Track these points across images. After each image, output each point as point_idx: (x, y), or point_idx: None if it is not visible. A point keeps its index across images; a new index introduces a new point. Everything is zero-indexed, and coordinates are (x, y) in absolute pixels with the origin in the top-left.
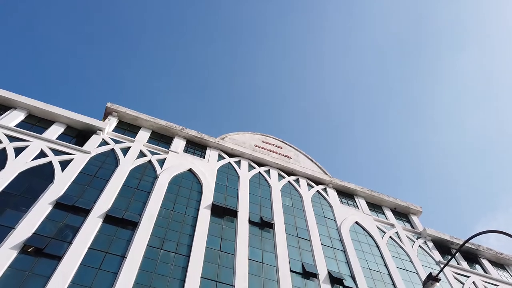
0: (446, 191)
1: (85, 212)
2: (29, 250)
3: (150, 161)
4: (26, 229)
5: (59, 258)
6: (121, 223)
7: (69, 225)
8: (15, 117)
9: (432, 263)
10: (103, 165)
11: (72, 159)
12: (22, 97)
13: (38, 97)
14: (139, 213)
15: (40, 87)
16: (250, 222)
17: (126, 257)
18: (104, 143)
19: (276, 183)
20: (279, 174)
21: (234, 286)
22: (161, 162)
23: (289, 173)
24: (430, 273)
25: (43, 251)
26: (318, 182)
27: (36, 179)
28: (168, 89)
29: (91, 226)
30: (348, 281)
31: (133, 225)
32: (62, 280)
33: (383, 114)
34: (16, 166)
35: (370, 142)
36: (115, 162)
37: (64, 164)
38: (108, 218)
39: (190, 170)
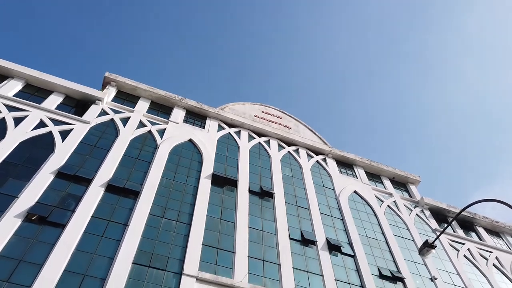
0: (445, 161)
1: (87, 182)
2: (33, 218)
3: (150, 131)
4: (29, 198)
5: (62, 226)
6: (122, 192)
7: (71, 194)
8: (13, 87)
9: (428, 231)
10: (103, 135)
11: (72, 129)
12: (19, 66)
13: (36, 66)
14: (140, 183)
15: (38, 57)
16: (250, 191)
17: (128, 225)
18: (103, 113)
19: (276, 153)
20: (279, 145)
21: (234, 252)
22: (161, 133)
23: (289, 143)
24: (426, 240)
25: (46, 219)
26: (317, 152)
27: (37, 149)
28: (167, 59)
29: (93, 195)
30: (346, 248)
31: (135, 194)
32: (66, 247)
33: (383, 82)
34: (16, 135)
35: (370, 112)
36: (115, 132)
37: (64, 134)
38: (110, 188)
39: (190, 140)
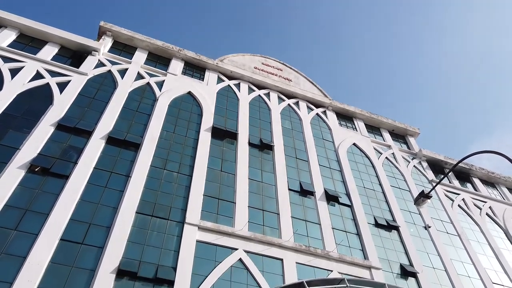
0: (444, 113)
1: (87, 134)
2: (36, 170)
3: (148, 83)
4: (31, 149)
5: (66, 177)
6: (123, 144)
7: (72, 146)
8: (6, 37)
9: (425, 182)
10: (101, 87)
11: (69, 81)
12: (11, 15)
13: (29, 15)
14: (141, 135)
15: (31, 5)
16: (250, 144)
17: (130, 177)
18: (100, 64)
19: (276, 106)
20: (279, 97)
21: (235, 203)
22: (160, 85)
23: (289, 95)
24: (423, 190)
25: (49, 170)
26: (318, 105)
27: (36, 101)
28: (165, 8)
29: (94, 147)
30: (343, 198)
31: (136, 147)
32: (71, 197)
33: (383, 32)
34: (13, 87)
35: (370, 63)
36: (113, 84)
37: (62, 86)
38: (110, 140)
39: (189, 93)
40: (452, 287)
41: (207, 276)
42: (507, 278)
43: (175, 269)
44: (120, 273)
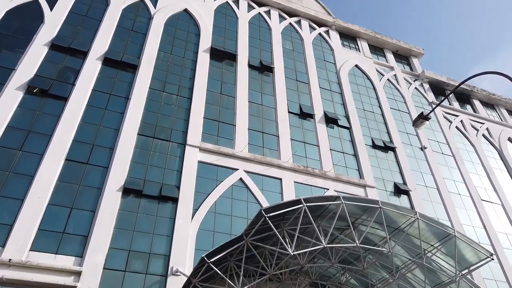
0: (448, 33)
1: (83, 54)
2: (34, 91)
3: (142, 0)
4: (27, 70)
5: (65, 99)
6: (120, 65)
7: (68, 67)
8: None
9: (425, 104)
10: (93, 3)
11: None
12: None
13: None
14: (138, 56)
15: None
16: (250, 66)
17: (130, 99)
18: None
19: (276, 25)
20: (280, 15)
21: (235, 125)
22: (154, 1)
23: (291, 13)
24: (422, 112)
25: (48, 92)
26: (320, 24)
27: (26, 19)
28: None
29: (91, 69)
30: (342, 121)
31: (133, 68)
32: (71, 119)
33: None
34: (1, 4)
35: None
36: (105, 1)
37: (51, 3)
38: (107, 61)
39: (185, 10)
40: (442, 203)
41: (209, 194)
42: (496, 195)
43: (178, 187)
44: (126, 191)
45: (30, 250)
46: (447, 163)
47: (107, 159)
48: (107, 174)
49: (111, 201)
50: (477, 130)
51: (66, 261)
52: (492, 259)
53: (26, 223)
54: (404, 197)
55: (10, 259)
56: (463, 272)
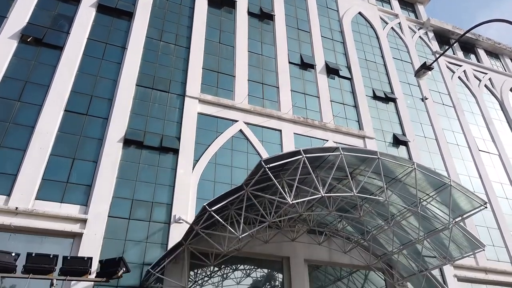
0: None
1: (76, 1)
2: (28, 40)
3: None
4: (19, 18)
5: (60, 48)
6: (115, 12)
7: (62, 14)
8: None
9: (428, 54)
10: None
11: None
12: None
13: None
14: (133, 3)
15: None
16: (250, 13)
17: (127, 48)
18: None
19: None
20: None
21: (234, 76)
22: None
23: None
24: (425, 62)
25: (42, 41)
26: None
27: None
28: None
29: (85, 16)
30: (343, 71)
31: (128, 15)
32: (69, 69)
33: None
34: None
35: None
36: None
37: None
38: (101, 8)
39: None
40: (439, 153)
41: (209, 145)
42: (494, 145)
43: (179, 138)
44: (127, 142)
45: (36, 199)
46: (447, 114)
47: (107, 110)
48: (107, 125)
49: (112, 152)
50: (480, 81)
51: (72, 210)
52: (486, 208)
53: (30, 173)
54: (402, 148)
55: (17, 208)
56: (456, 220)
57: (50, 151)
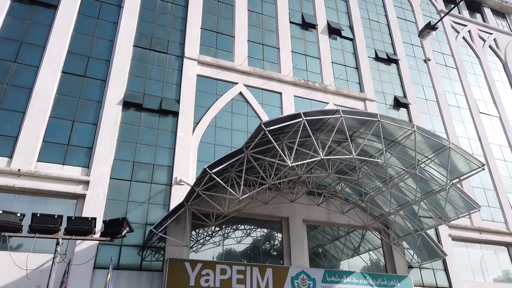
0: None
1: None
2: None
3: None
4: None
5: (54, 7)
6: None
7: None
8: None
9: (433, 13)
10: None
11: None
12: None
13: None
14: None
15: None
16: None
17: (122, 7)
18: None
19: None
20: None
21: (234, 36)
22: None
23: None
24: (429, 22)
25: None
26: None
27: None
28: None
29: None
30: (345, 32)
31: None
32: (64, 29)
33: None
34: None
35: None
36: None
37: None
38: None
39: None
40: (440, 116)
41: (209, 108)
42: (495, 108)
43: (178, 101)
44: (126, 105)
45: (38, 161)
46: (449, 75)
47: (104, 72)
48: (106, 87)
49: (112, 114)
50: (484, 41)
51: (74, 171)
52: (483, 169)
53: (30, 135)
54: (403, 110)
55: (19, 169)
56: (453, 181)
57: (49, 113)
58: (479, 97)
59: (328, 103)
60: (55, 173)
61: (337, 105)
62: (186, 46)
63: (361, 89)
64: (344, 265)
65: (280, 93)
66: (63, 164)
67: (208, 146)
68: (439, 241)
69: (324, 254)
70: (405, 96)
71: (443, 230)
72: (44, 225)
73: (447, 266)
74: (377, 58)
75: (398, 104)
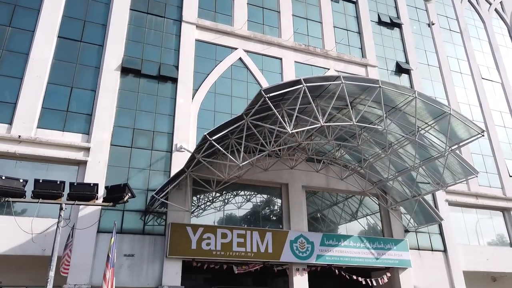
0: None
1: None
2: None
3: None
4: None
5: None
6: None
7: None
8: None
9: None
10: None
11: None
12: None
13: None
14: None
15: None
16: None
17: None
18: None
19: None
20: None
21: None
22: None
23: None
24: None
25: None
26: None
27: None
28: None
29: None
30: None
31: None
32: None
33: None
34: None
35: None
36: None
37: None
38: None
39: None
40: (442, 82)
41: (208, 74)
42: (497, 73)
43: (177, 67)
44: (124, 71)
45: (37, 127)
46: (453, 40)
47: (101, 37)
48: (103, 53)
49: (110, 80)
50: (490, 4)
51: (74, 138)
52: (483, 136)
53: (29, 101)
54: (404, 76)
55: (19, 136)
56: (452, 147)
57: (47, 79)
58: (482, 63)
59: (329, 69)
60: (56, 139)
61: (338, 71)
62: (184, 10)
63: (363, 55)
64: (342, 230)
65: (281, 59)
66: (63, 131)
67: (208, 113)
68: (436, 206)
69: (322, 219)
70: (407, 62)
71: (440, 195)
72: (47, 191)
73: (443, 230)
74: (380, 22)
75: (400, 70)
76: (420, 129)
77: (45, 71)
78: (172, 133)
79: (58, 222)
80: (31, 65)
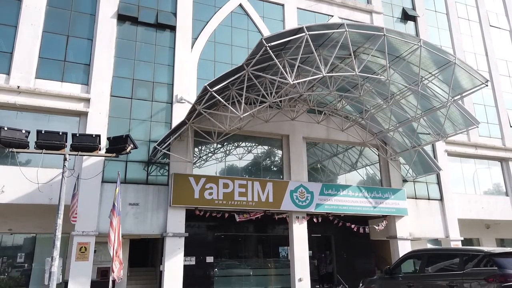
0: None
1: None
2: None
3: None
4: None
5: None
6: None
7: None
8: None
9: None
10: None
11: None
12: None
13: None
14: None
15: None
16: None
17: None
18: None
19: None
20: None
21: None
22: None
23: None
24: None
25: None
26: None
27: None
28: None
29: None
30: None
31: None
32: None
33: None
34: None
35: None
36: None
37: None
38: None
39: None
40: (448, 29)
41: (208, 22)
42: (506, 20)
43: (175, 14)
44: (121, 18)
45: (36, 78)
46: None
47: None
48: None
49: (107, 29)
50: None
51: (73, 89)
52: (486, 85)
53: (25, 51)
54: (410, 24)
55: (18, 86)
56: (455, 98)
57: (42, 27)
58: (491, 9)
59: (332, 15)
60: (55, 90)
61: (342, 18)
62: None
63: (368, 1)
64: (341, 180)
65: (283, 5)
66: (61, 81)
67: (208, 63)
68: (435, 157)
69: (322, 169)
70: (413, 8)
71: (440, 146)
72: (50, 142)
73: (440, 180)
74: None
75: (406, 16)
76: (423, 79)
77: (39, 18)
78: (172, 84)
79: (63, 173)
80: (25, 12)
